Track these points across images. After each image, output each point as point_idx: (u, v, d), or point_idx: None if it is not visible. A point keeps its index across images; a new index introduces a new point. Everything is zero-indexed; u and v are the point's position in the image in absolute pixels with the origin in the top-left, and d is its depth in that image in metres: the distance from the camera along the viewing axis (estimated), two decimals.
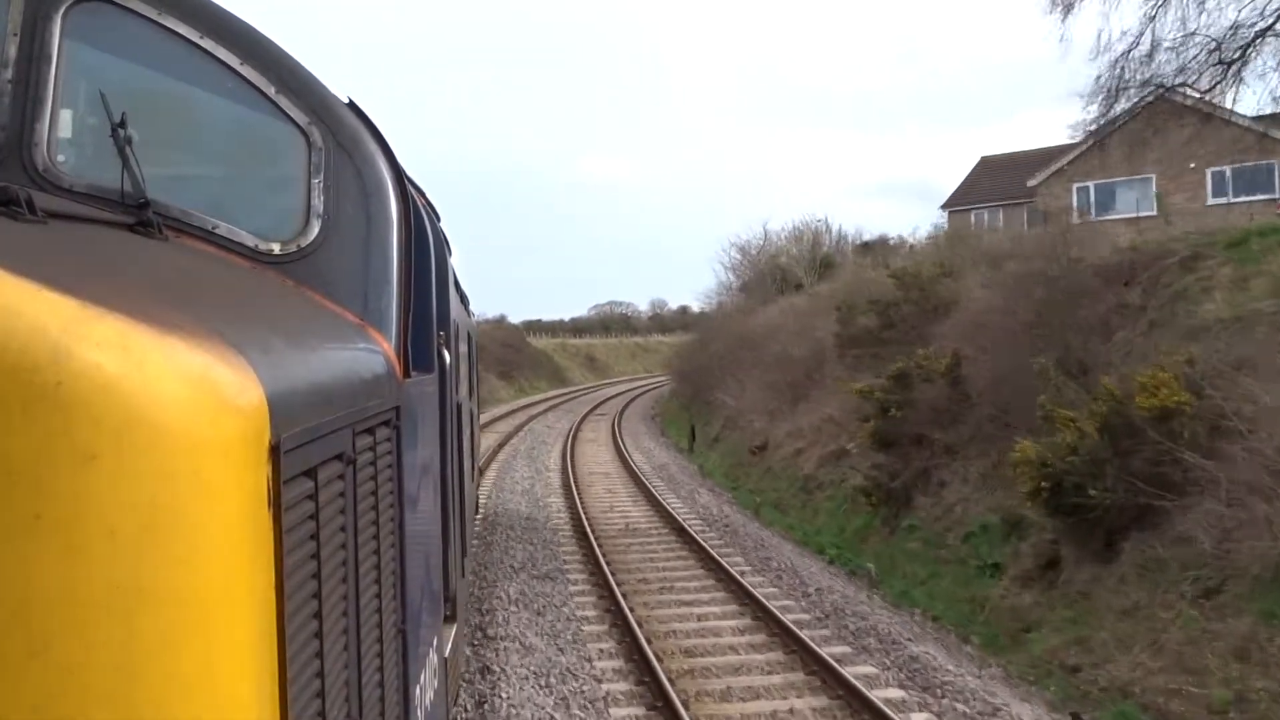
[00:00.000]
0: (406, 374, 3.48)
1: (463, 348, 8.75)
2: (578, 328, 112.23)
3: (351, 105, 3.57)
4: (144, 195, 2.98)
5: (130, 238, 2.67)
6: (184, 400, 1.55)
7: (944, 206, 45.46)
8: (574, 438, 36.89)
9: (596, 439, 37.72)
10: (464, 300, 10.95)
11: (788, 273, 53.44)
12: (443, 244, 6.03)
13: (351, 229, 3.34)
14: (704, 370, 43.21)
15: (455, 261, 8.32)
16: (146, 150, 3.06)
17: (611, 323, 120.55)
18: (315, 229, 3.28)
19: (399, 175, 3.59)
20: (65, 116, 3.19)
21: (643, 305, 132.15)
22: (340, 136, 3.39)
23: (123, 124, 2.97)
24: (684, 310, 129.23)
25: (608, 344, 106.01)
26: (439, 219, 6.28)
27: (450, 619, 5.41)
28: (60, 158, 3.11)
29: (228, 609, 1.61)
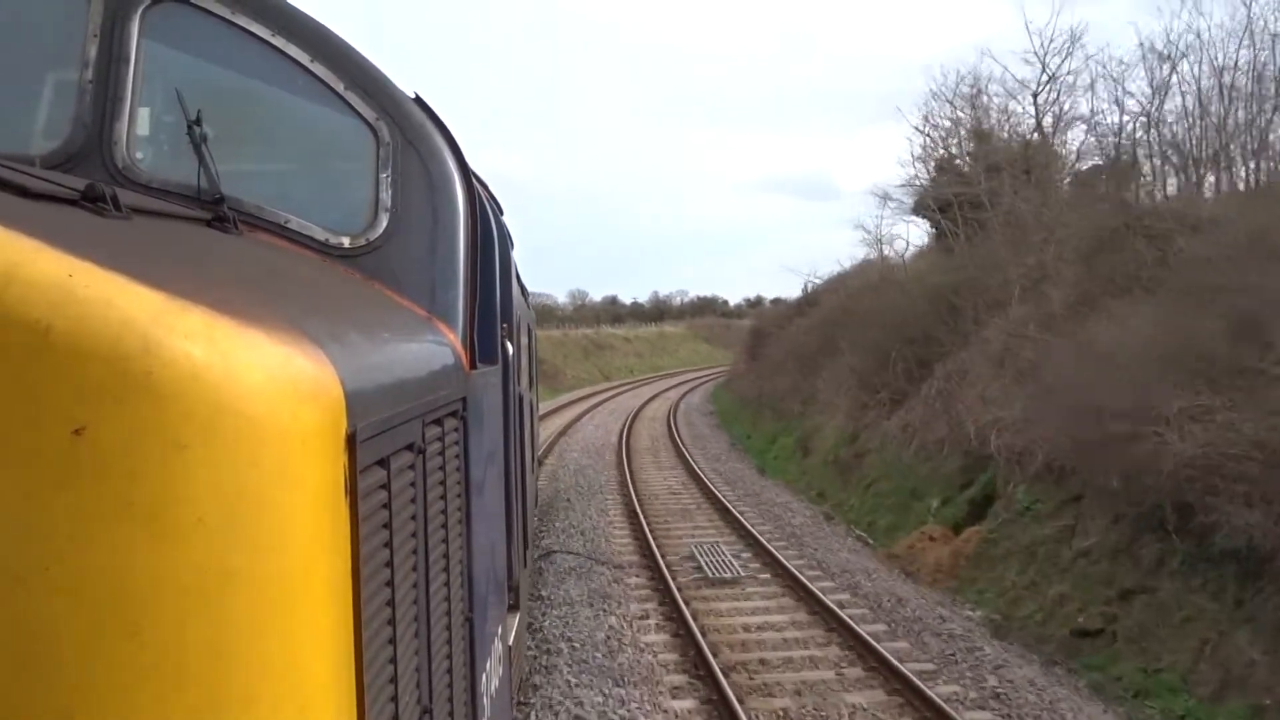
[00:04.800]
0: (473, 366, 3.52)
1: (523, 339, 8.82)
2: None
3: (418, 100, 3.61)
4: (219, 191, 3.05)
5: (207, 232, 2.74)
6: (267, 391, 1.59)
7: None
8: None
9: None
10: (524, 292, 11.03)
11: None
12: (506, 238, 6.08)
13: (419, 223, 3.39)
14: None
15: (516, 255, 8.37)
16: (220, 146, 3.13)
17: (535, 314, 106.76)
18: (383, 223, 3.32)
19: (465, 169, 3.63)
20: (143, 114, 3.27)
21: (561, 297, 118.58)
22: (408, 131, 3.44)
23: (198, 121, 3.04)
24: (613, 300, 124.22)
25: (552, 338, 73.70)
26: (502, 213, 6.33)
27: (513, 608, 5.46)
28: (138, 155, 3.19)
29: (308, 594, 1.65)
